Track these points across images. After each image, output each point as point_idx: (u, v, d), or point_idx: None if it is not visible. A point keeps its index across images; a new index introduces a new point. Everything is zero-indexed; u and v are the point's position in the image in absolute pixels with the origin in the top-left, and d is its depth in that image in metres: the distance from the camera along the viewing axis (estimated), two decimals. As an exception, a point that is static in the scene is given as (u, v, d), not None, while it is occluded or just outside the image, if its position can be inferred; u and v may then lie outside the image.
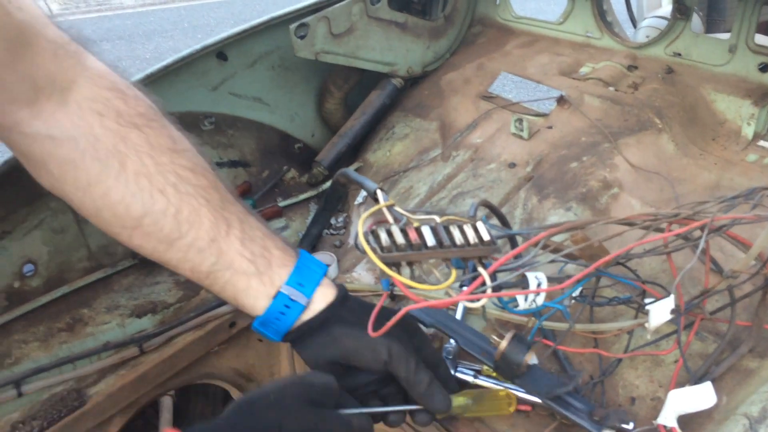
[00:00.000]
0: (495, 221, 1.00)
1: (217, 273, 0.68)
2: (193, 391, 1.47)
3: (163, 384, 1.08)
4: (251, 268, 0.68)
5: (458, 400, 0.82)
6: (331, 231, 1.29)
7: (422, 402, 0.72)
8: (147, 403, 1.09)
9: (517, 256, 0.73)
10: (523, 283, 0.81)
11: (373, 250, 0.67)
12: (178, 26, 7.17)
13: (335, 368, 0.70)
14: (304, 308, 0.69)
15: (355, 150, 1.46)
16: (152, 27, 7.15)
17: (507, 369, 0.81)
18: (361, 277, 1.15)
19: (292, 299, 0.68)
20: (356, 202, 1.32)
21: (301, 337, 0.70)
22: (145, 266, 1.14)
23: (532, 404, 0.88)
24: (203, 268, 0.68)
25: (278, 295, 0.68)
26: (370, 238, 0.69)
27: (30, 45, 0.58)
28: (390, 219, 0.75)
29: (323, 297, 0.71)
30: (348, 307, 0.72)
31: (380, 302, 0.67)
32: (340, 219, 1.32)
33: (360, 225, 0.70)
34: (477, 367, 0.92)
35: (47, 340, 1.01)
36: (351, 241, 1.25)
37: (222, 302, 1.10)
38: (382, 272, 0.69)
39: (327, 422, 0.63)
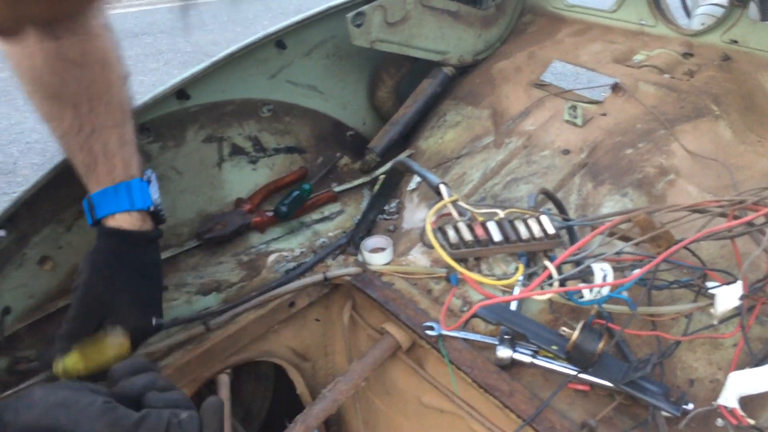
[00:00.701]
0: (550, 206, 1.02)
1: (72, 161, 0.91)
2: (245, 371, 1.51)
3: (225, 360, 1.13)
4: (83, 170, 0.91)
5: (70, 360, 0.83)
6: (385, 216, 1.32)
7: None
8: (209, 378, 1.14)
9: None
10: (588, 274, 0.82)
11: (442, 246, 0.70)
12: (218, 20, 7.26)
13: None
14: (91, 223, 0.92)
15: (407, 138, 1.48)
16: (192, 21, 7.25)
17: (580, 358, 0.82)
18: (417, 260, 1.18)
19: (87, 211, 0.91)
20: (409, 188, 1.35)
21: None
22: (210, 247, 1.19)
23: (590, 384, 0.90)
24: (66, 154, 0.92)
25: (84, 201, 0.92)
26: (438, 234, 0.71)
27: None
28: (455, 214, 0.76)
29: (116, 222, 0.91)
30: (114, 251, 0.90)
31: (448, 300, 0.69)
32: (393, 204, 1.34)
33: (428, 222, 0.71)
34: (534, 347, 0.94)
35: (120, 315, 1.06)
36: (405, 225, 1.28)
37: (282, 282, 1.14)
38: (450, 268, 0.71)
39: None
